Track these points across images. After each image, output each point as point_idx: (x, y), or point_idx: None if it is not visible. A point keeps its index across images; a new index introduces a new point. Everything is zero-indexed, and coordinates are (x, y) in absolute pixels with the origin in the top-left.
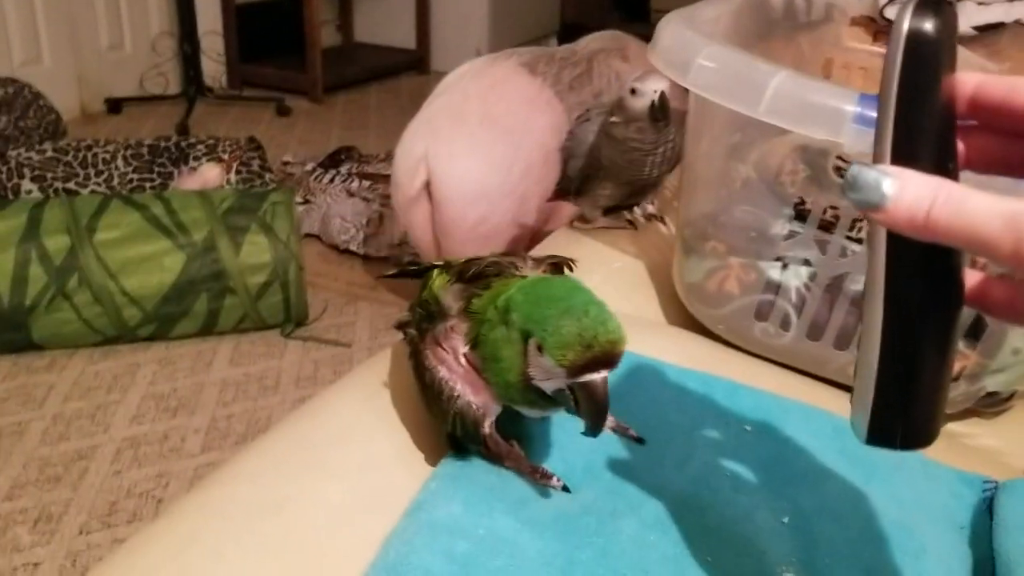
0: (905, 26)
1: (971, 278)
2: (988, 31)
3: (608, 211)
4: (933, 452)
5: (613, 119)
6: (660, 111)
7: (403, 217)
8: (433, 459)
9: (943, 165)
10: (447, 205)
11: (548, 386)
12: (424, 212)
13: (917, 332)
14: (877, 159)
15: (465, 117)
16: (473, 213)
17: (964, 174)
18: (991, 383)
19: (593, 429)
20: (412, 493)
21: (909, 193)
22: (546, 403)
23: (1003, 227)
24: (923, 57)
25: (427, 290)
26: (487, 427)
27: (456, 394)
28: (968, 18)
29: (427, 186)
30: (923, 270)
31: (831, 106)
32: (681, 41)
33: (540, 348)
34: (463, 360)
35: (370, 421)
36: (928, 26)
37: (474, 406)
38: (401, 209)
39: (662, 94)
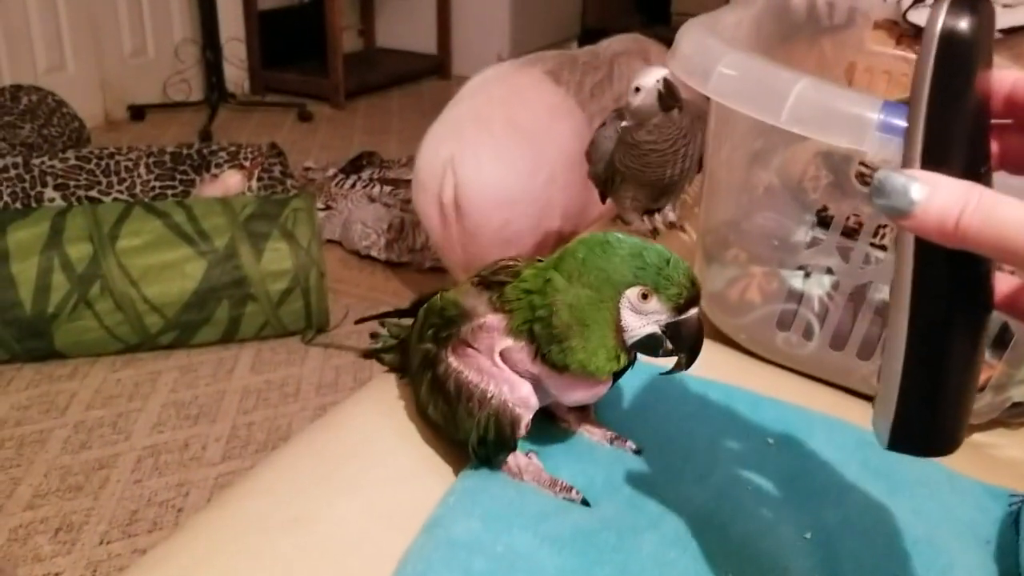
0: (939, 26)
1: (1003, 283)
2: (1013, 33)
3: (643, 212)
4: (958, 463)
5: (625, 124)
6: (669, 96)
7: (425, 220)
8: (451, 473)
9: (975, 169)
10: (472, 210)
11: (640, 335)
12: (445, 215)
13: (943, 338)
14: (907, 163)
15: (491, 123)
16: (498, 217)
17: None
18: (1017, 394)
19: (690, 363)
20: (430, 508)
21: (939, 199)
22: (635, 355)
23: None
24: (957, 58)
25: (441, 299)
26: (523, 428)
27: (490, 395)
28: None
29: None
30: (951, 275)
31: (854, 113)
32: (702, 48)
33: (645, 296)
34: (498, 359)
35: (387, 435)
36: (963, 25)
37: (511, 404)
38: (424, 212)
39: (665, 80)
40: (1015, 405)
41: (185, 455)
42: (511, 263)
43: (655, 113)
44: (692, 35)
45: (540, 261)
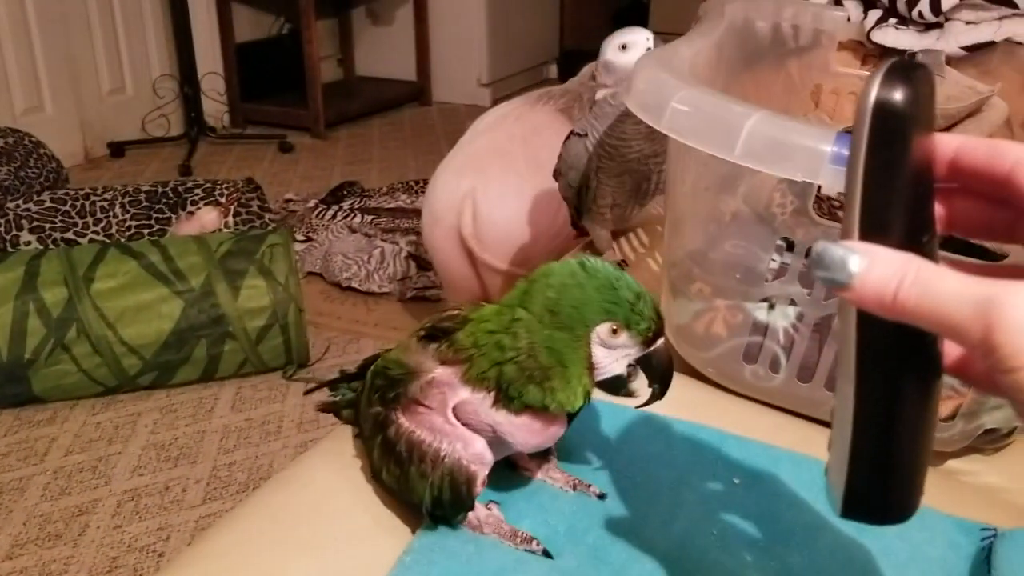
0: (872, 98)
1: (953, 347)
2: (978, 50)
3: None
4: (933, 493)
5: (600, 98)
6: None
7: (438, 253)
8: (409, 531)
9: (916, 239)
10: (493, 243)
11: (611, 372)
12: (459, 246)
13: (892, 405)
14: (846, 234)
15: (512, 159)
16: (519, 254)
17: None
18: (989, 420)
19: (663, 392)
20: (387, 567)
21: (876, 271)
22: (608, 391)
23: (973, 314)
24: (892, 130)
25: (383, 360)
26: (479, 485)
27: (443, 454)
28: (957, 38)
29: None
30: (896, 342)
31: (807, 146)
32: (656, 84)
33: (615, 331)
34: (451, 415)
35: (343, 493)
36: (897, 97)
37: (465, 462)
38: (437, 245)
39: (655, 39)
40: (988, 432)
41: (166, 498)
42: (454, 311)
43: None
44: (646, 71)
45: (484, 304)
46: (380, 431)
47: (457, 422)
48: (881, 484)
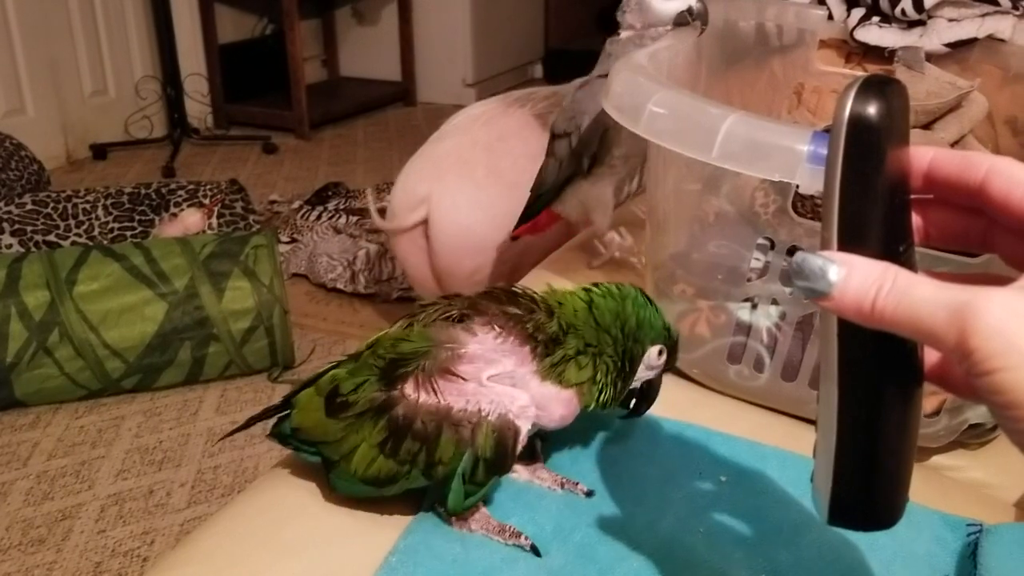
0: (847, 112)
1: (932, 355)
2: (960, 47)
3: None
4: (919, 488)
5: (624, 38)
6: (701, 15)
7: (398, 252)
8: (395, 531)
9: (893, 249)
10: (445, 252)
11: (636, 386)
12: (417, 247)
13: (875, 413)
14: (824, 244)
15: (472, 167)
16: (470, 263)
17: None
18: (973, 415)
19: (647, 409)
20: (372, 568)
21: (855, 281)
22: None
23: (947, 319)
24: (867, 143)
25: (380, 345)
26: (522, 441)
27: (484, 412)
28: (939, 35)
29: (425, 224)
30: (877, 353)
31: (784, 146)
32: (632, 86)
33: (661, 352)
34: (486, 381)
35: (324, 495)
36: (871, 111)
37: (511, 416)
38: (396, 243)
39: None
40: (973, 426)
41: (150, 502)
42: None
43: (668, 23)
44: (623, 73)
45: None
46: (382, 414)
47: (495, 384)
48: (866, 491)
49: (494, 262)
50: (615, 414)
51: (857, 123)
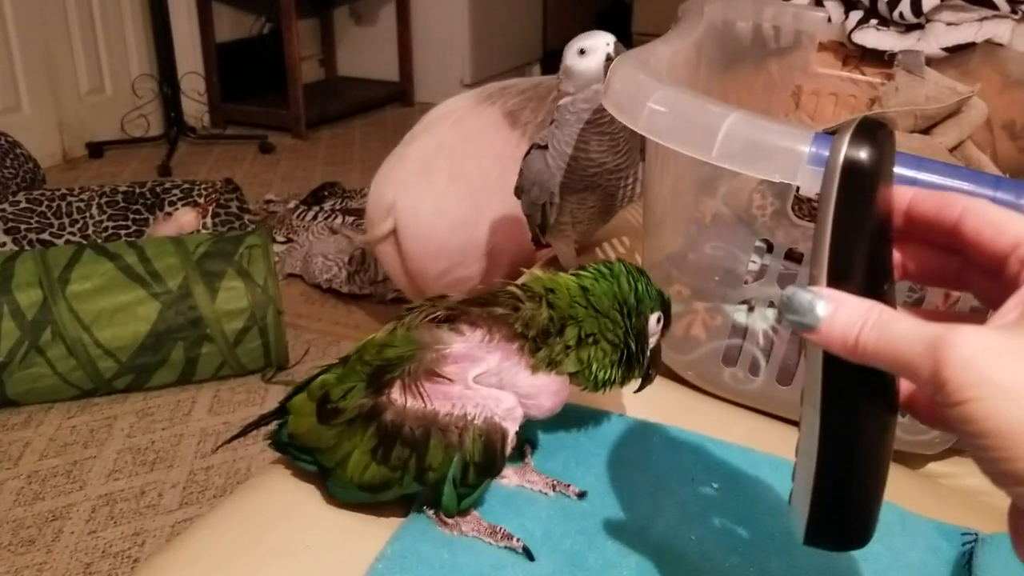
0: (841, 157)
1: (903, 384)
2: (958, 51)
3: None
4: (914, 496)
5: (561, 105)
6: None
7: (378, 254)
8: (383, 536)
9: (877, 287)
10: (412, 256)
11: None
12: (391, 253)
13: (854, 443)
14: (813, 281)
15: (434, 173)
16: (435, 267)
17: None
18: None
19: (653, 378)
20: (360, 574)
21: (842, 316)
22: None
23: (923, 352)
24: (859, 187)
25: (364, 350)
26: (510, 443)
27: (471, 417)
28: (938, 39)
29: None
30: (859, 385)
31: (785, 147)
32: (632, 84)
33: (659, 320)
34: (471, 383)
35: (315, 498)
36: (864, 156)
37: (497, 419)
38: (372, 243)
39: (616, 44)
40: None
41: (141, 503)
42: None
43: (598, 80)
44: (623, 71)
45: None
46: (371, 421)
47: (480, 386)
48: (842, 514)
49: (459, 265)
50: (629, 388)
51: (851, 169)
